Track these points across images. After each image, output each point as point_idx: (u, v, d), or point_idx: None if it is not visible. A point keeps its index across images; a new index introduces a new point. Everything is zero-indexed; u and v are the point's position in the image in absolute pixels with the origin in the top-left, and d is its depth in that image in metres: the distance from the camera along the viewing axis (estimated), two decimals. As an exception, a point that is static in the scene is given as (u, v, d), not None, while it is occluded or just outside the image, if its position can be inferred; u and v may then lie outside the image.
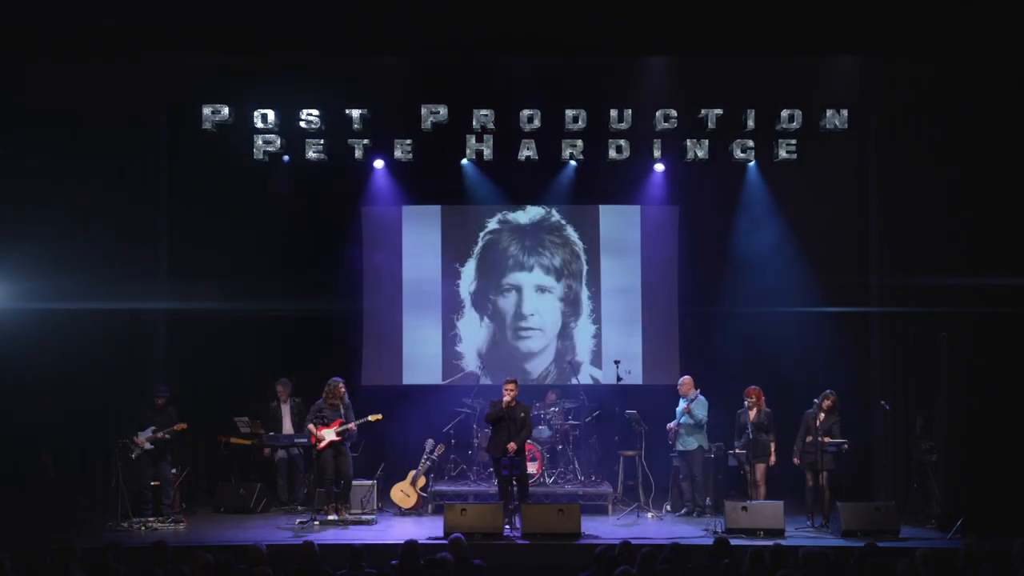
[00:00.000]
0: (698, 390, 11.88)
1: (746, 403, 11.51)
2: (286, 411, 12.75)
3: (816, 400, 11.31)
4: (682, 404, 11.89)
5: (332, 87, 12.72)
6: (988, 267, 11.48)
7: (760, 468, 11.44)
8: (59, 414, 11.58)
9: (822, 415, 11.22)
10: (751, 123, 13.05)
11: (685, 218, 13.97)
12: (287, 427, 12.69)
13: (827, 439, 11.09)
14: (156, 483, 11.53)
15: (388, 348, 14.00)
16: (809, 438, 11.22)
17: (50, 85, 11.74)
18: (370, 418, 11.47)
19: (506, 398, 11.15)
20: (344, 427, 11.35)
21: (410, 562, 7.59)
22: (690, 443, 11.75)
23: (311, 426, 11.39)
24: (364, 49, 12.14)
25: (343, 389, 11.54)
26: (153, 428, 11.43)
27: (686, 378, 12.02)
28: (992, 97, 11.54)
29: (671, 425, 11.85)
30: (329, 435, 11.31)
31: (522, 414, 11.16)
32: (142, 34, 11.68)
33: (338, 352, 13.22)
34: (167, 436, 11.47)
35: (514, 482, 11.11)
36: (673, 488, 12.08)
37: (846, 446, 11.21)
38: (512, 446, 10.95)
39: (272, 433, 12.53)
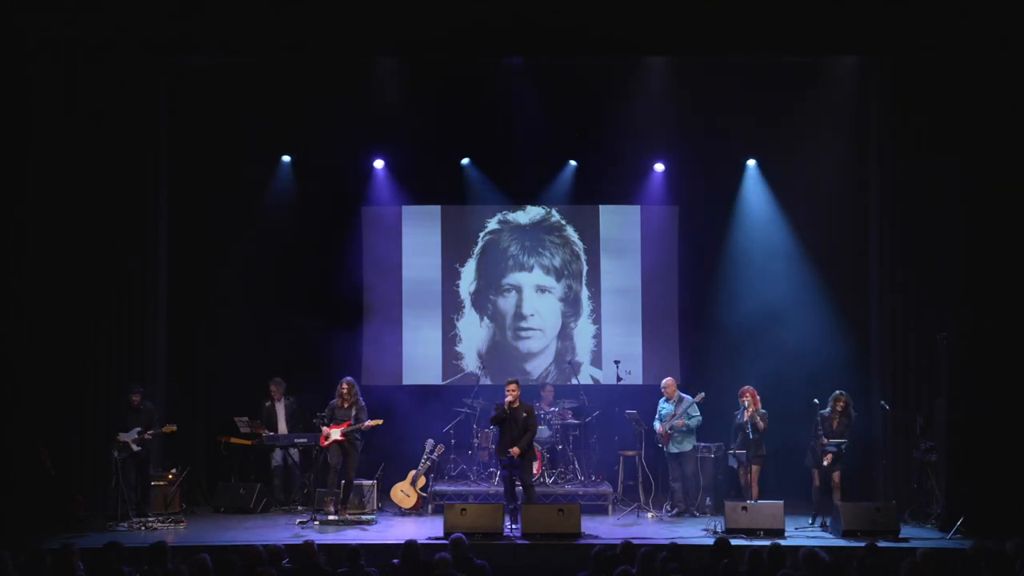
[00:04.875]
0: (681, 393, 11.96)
1: (745, 403, 11.49)
2: (280, 410, 12.76)
3: (824, 401, 11.28)
4: (666, 406, 11.90)
5: (332, 87, 12.75)
6: (988, 267, 11.48)
7: (755, 469, 11.45)
8: (59, 414, 11.59)
9: (837, 418, 11.21)
10: (751, 122, 13.11)
11: (685, 218, 13.97)
12: (282, 427, 12.70)
13: (826, 440, 11.11)
14: (143, 485, 11.56)
15: (388, 348, 13.99)
16: (826, 440, 11.19)
17: (51, 85, 11.78)
18: (370, 423, 11.45)
19: (508, 399, 11.16)
20: (352, 428, 11.35)
21: (410, 562, 7.59)
22: (685, 445, 11.78)
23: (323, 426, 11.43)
24: (363, 49, 12.14)
25: (357, 390, 11.55)
26: (138, 430, 11.42)
27: (669, 380, 12.06)
28: (993, 97, 11.53)
29: (660, 428, 11.85)
30: (335, 434, 11.32)
31: (524, 414, 11.16)
32: (142, 34, 11.68)
33: (338, 352, 13.21)
34: (150, 437, 11.45)
35: (517, 482, 11.12)
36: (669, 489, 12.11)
37: (845, 446, 11.20)
38: (515, 451, 10.95)
39: (272, 433, 12.53)
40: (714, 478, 12.03)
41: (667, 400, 11.96)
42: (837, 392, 11.34)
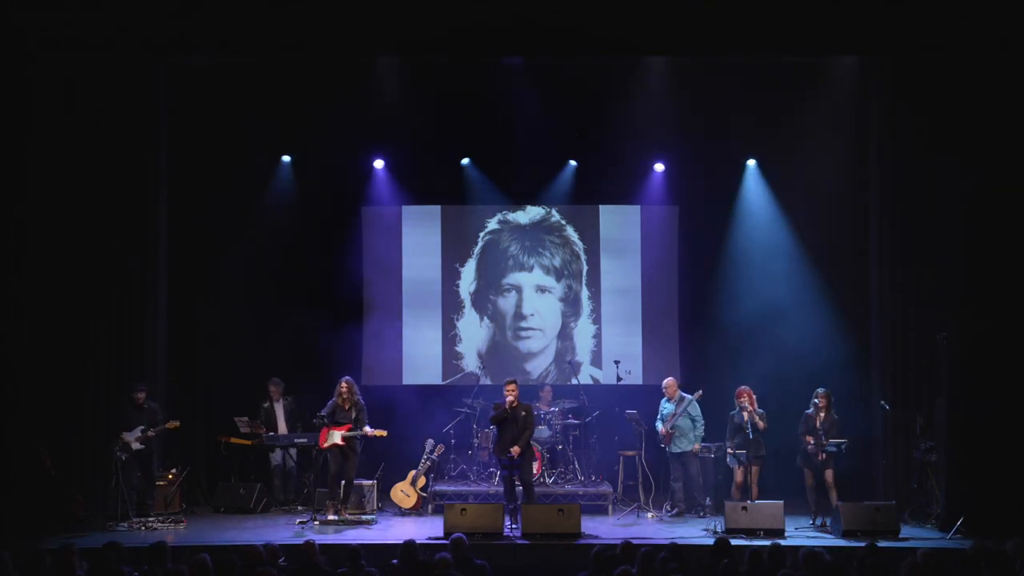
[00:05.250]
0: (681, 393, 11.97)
1: (744, 403, 11.46)
2: (279, 410, 12.75)
3: (815, 400, 11.32)
4: (668, 406, 11.90)
5: (332, 87, 12.74)
6: (988, 267, 11.48)
7: (755, 469, 11.44)
8: (59, 414, 11.60)
9: (822, 414, 11.23)
10: (751, 122, 13.11)
11: (685, 218, 13.97)
12: (281, 427, 12.69)
13: (822, 440, 11.10)
14: (147, 484, 11.56)
15: (388, 348, 13.98)
16: (810, 438, 11.21)
17: (50, 85, 11.79)
18: (374, 432, 11.42)
19: (508, 399, 11.17)
20: (351, 433, 11.33)
21: (409, 562, 7.59)
22: (684, 444, 11.78)
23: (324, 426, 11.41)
24: (363, 49, 12.14)
25: (356, 389, 11.53)
26: (142, 428, 11.42)
27: (670, 380, 12.06)
28: (994, 97, 11.53)
29: (663, 428, 11.86)
30: (335, 437, 11.30)
31: (523, 414, 11.19)
32: (142, 34, 11.69)
33: (338, 352, 13.21)
34: (153, 434, 11.45)
35: (516, 481, 11.13)
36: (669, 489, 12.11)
37: (845, 446, 11.20)
38: (516, 450, 10.98)
39: (272, 433, 12.52)
40: (714, 478, 12.03)
41: (668, 400, 11.96)
42: (819, 389, 11.35)
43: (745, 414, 11.35)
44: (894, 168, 12.09)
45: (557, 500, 11.47)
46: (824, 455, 11.13)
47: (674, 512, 11.76)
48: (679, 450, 11.79)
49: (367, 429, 11.37)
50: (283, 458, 12.68)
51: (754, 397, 11.50)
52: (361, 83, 12.78)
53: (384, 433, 11.49)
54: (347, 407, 11.38)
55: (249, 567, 7.21)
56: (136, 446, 11.38)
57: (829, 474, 11.18)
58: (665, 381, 12.12)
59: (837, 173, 12.96)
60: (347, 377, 11.62)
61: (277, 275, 13.55)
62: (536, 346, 14.13)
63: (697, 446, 11.73)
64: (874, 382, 12.39)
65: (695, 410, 11.82)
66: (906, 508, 11.38)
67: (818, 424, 11.21)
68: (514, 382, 11.40)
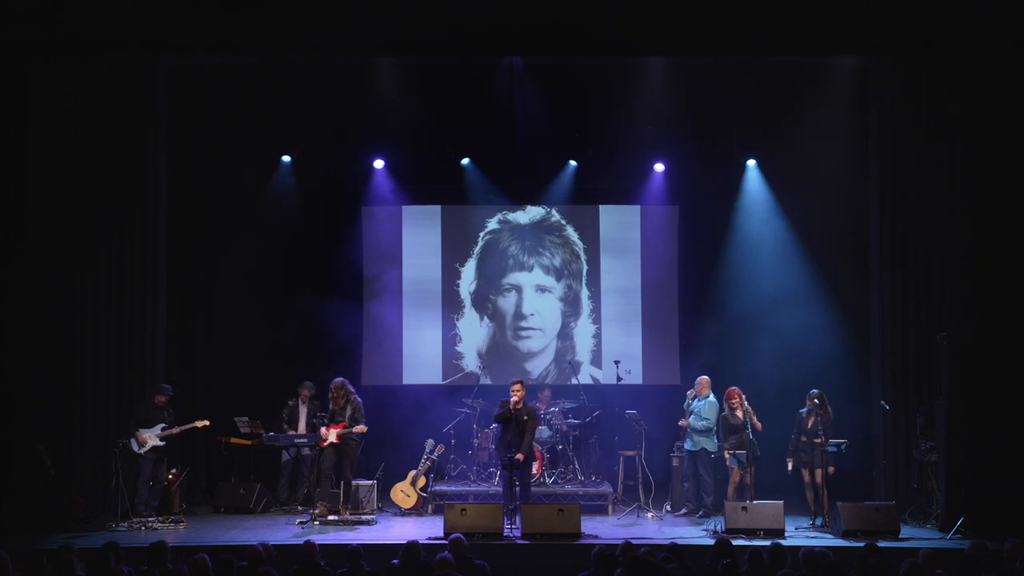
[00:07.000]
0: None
1: (744, 403, 11.45)
2: (303, 412, 12.72)
3: (816, 401, 11.32)
4: (696, 404, 11.90)
5: (332, 87, 12.75)
6: (988, 266, 11.48)
7: (751, 470, 11.42)
8: (59, 414, 11.60)
9: (813, 416, 11.22)
10: (750, 122, 13.11)
11: (685, 218, 13.98)
12: (301, 427, 12.67)
13: (821, 440, 11.08)
14: (154, 484, 11.57)
15: (388, 348, 14.00)
16: (804, 438, 11.21)
17: (50, 85, 11.80)
18: (353, 430, 11.44)
19: (513, 399, 11.16)
20: (344, 431, 11.35)
21: (411, 562, 7.59)
22: (693, 445, 11.75)
23: (323, 428, 11.45)
24: (363, 49, 12.14)
25: (349, 388, 11.55)
26: (163, 426, 11.45)
27: (703, 378, 12.01)
28: (994, 96, 11.54)
29: (683, 422, 11.87)
30: (331, 436, 11.32)
31: (525, 417, 11.16)
32: (142, 34, 11.68)
33: (338, 352, 13.21)
34: (178, 431, 11.50)
35: (516, 482, 11.13)
36: (675, 488, 12.08)
37: (845, 446, 11.19)
38: (519, 456, 10.96)
39: (272, 433, 12.51)
40: (714, 478, 12.02)
41: (697, 398, 11.90)
42: (811, 391, 11.34)
43: (740, 413, 11.36)
44: (894, 168, 12.10)
45: (557, 500, 11.46)
46: (806, 455, 11.14)
47: (682, 512, 11.76)
48: (690, 448, 11.77)
49: (354, 429, 11.41)
50: (294, 456, 12.65)
51: (744, 397, 11.50)
52: (361, 83, 12.78)
53: (364, 429, 11.50)
54: (340, 405, 11.41)
55: (250, 567, 7.22)
56: (156, 442, 11.41)
57: (819, 474, 11.16)
58: (698, 379, 12.05)
59: (837, 173, 12.96)
60: (338, 378, 11.65)
61: (277, 275, 13.57)
62: (536, 346, 14.14)
63: (685, 421, 11.74)
64: (874, 382, 12.39)
65: (704, 411, 11.74)
66: (906, 508, 11.38)
67: (808, 425, 11.21)
68: (520, 383, 11.38)
